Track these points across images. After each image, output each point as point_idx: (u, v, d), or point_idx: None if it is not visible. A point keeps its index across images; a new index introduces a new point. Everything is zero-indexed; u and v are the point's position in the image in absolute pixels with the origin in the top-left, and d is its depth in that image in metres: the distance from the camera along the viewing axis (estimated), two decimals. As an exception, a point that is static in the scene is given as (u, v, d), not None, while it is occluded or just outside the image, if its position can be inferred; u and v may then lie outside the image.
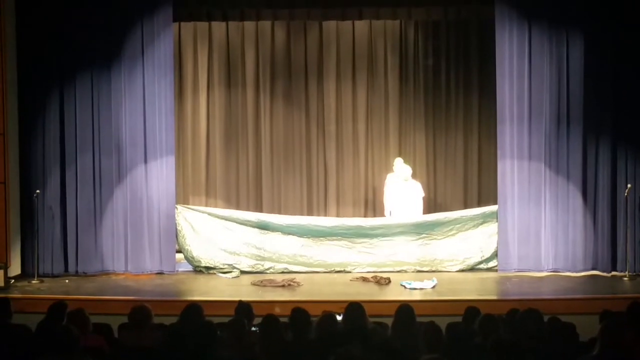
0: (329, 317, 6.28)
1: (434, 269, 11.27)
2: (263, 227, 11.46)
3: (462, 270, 11.32)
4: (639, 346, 5.82)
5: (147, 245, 11.34)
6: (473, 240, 11.39)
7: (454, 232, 11.40)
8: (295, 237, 11.40)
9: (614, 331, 5.42)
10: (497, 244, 11.27)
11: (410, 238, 11.37)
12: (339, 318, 6.52)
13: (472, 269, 11.37)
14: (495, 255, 11.35)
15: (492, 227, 11.37)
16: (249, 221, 11.52)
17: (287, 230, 11.42)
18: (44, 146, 11.28)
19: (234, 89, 13.54)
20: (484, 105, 13.23)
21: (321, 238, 11.39)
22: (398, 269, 11.23)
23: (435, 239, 11.38)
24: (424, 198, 12.10)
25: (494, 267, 11.37)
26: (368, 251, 11.35)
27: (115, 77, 11.29)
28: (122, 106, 11.30)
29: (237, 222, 11.48)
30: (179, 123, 13.18)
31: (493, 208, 11.45)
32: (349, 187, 13.61)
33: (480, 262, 11.41)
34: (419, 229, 11.40)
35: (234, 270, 11.24)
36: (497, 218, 11.28)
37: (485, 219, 11.43)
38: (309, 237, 11.39)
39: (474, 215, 11.49)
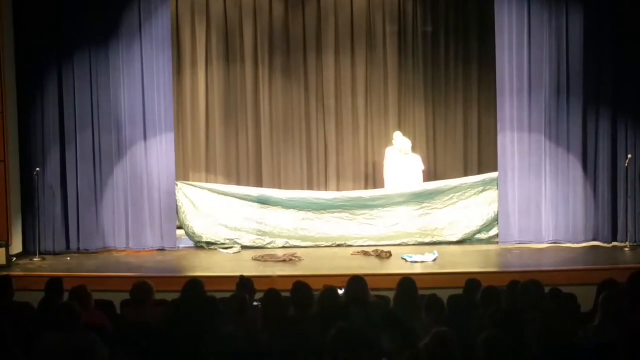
0: (330, 290, 6.30)
1: (434, 239, 11.30)
2: (263, 201, 11.47)
3: (463, 239, 11.35)
4: (639, 316, 5.84)
5: (147, 221, 11.35)
6: (473, 208, 11.40)
7: (454, 200, 11.40)
8: (295, 211, 11.41)
9: (613, 301, 5.43)
10: (498, 215, 11.29)
11: (411, 208, 11.38)
12: (341, 292, 6.54)
13: (472, 237, 11.40)
14: (495, 223, 11.37)
15: (492, 195, 11.38)
16: (249, 196, 11.52)
17: (287, 204, 11.43)
18: (43, 124, 11.25)
19: (232, 64, 13.48)
20: (484, 77, 13.18)
21: (321, 211, 11.40)
22: (399, 241, 11.25)
23: (435, 208, 11.39)
24: (423, 171, 12.10)
25: (494, 236, 11.40)
26: (369, 222, 11.36)
27: (113, 53, 11.25)
28: (120, 83, 11.27)
29: (237, 197, 11.48)
30: (178, 99, 13.13)
31: (493, 175, 11.45)
32: (349, 161, 13.59)
33: (480, 230, 11.44)
34: (420, 198, 11.40)
35: (235, 245, 11.26)
36: (497, 185, 11.30)
37: (485, 186, 11.43)
38: (309, 210, 11.40)
39: (473, 183, 11.50)
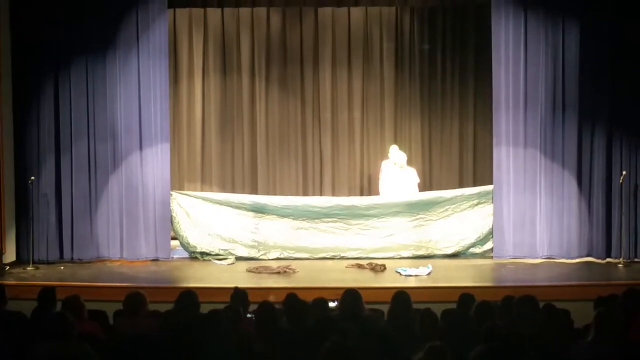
0: (320, 302, 6.30)
1: (429, 252, 11.30)
2: (258, 210, 11.44)
3: (458, 253, 11.35)
4: (633, 332, 5.84)
5: (142, 232, 11.34)
6: (468, 221, 11.40)
7: (449, 212, 11.41)
8: (290, 220, 11.39)
9: (608, 318, 5.44)
10: (493, 230, 11.29)
11: (406, 219, 11.37)
12: (332, 304, 6.53)
13: (466, 251, 11.41)
14: (490, 237, 11.38)
15: (487, 208, 11.38)
16: (243, 204, 11.49)
17: (282, 213, 11.40)
18: (39, 133, 11.24)
19: (229, 76, 13.50)
20: (480, 92, 13.22)
21: (316, 220, 11.37)
22: (393, 253, 11.24)
23: (430, 220, 11.39)
24: (419, 184, 12.11)
25: (488, 250, 11.41)
26: (364, 233, 11.35)
27: (110, 63, 11.25)
28: (117, 93, 11.27)
29: (231, 206, 11.46)
30: (174, 110, 13.14)
31: (488, 188, 11.46)
32: (345, 175, 13.60)
33: (475, 244, 11.44)
34: (414, 209, 11.40)
35: (230, 256, 11.24)
36: (492, 199, 11.30)
37: (480, 199, 11.44)
38: (304, 219, 11.38)
39: (469, 195, 11.50)
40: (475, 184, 12.69)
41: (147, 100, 11.29)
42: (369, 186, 13.37)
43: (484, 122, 13.03)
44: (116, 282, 9.91)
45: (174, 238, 11.60)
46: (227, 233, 11.36)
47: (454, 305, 6.85)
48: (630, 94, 11.02)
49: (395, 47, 13.44)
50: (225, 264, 11.10)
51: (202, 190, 13.05)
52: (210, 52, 13.45)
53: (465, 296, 6.79)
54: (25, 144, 11.27)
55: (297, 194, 13.20)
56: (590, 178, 11.13)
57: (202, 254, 11.34)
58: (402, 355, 5.10)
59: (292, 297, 6.26)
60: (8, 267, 10.70)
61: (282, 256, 11.26)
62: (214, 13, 13.34)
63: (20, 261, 11.11)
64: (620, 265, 10.75)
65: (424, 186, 12.60)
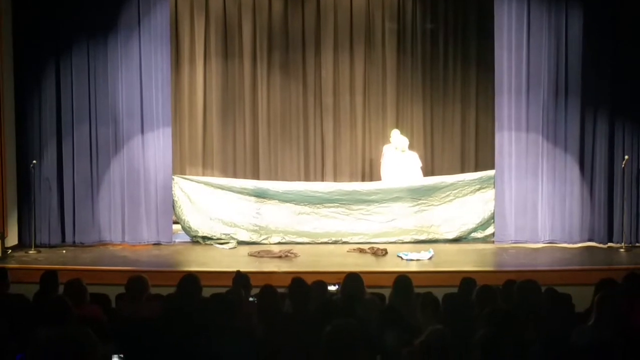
0: (319, 285, 6.32)
1: (430, 236, 11.31)
2: (260, 194, 11.45)
3: (459, 237, 11.36)
4: (634, 316, 5.85)
5: (144, 216, 11.35)
6: (470, 206, 11.41)
7: (451, 197, 11.41)
8: (292, 205, 11.40)
9: (609, 302, 5.44)
10: (494, 214, 11.30)
11: (407, 204, 11.38)
12: (332, 288, 6.53)
13: (468, 236, 11.41)
14: (491, 221, 11.38)
15: (489, 193, 11.39)
16: (245, 189, 11.50)
17: (283, 198, 11.41)
18: (41, 117, 11.25)
19: (230, 60, 13.48)
20: (482, 76, 13.20)
21: (318, 205, 11.38)
22: (395, 238, 11.26)
23: (432, 204, 11.40)
24: (422, 168, 12.10)
25: (490, 235, 11.41)
26: (365, 218, 11.37)
27: (111, 47, 11.24)
28: (118, 77, 11.26)
29: (233, 191, 11.47)
30: (176, 94, 13.12)
31: (490, 173, 11.46)
32: (346, 159, 13.60)
33: (477, 229, 11.45)
34: (416, 195, 11.41)
35: (231, 240, 11.25)
36: (494, 184, 11.31)
37: (482, 184, 11.44)
38: (305, 205, 11.38)
39: (471, 180, 11.50)
40: (477, 169, 12.69)
41: (148, 85, 11.28)
42: (370, 171, 13.37)
43: (486, 107, 13.02)
44: (118, 266, 9.93)
45: (175, 222, 11.62)
46: (229, 217, 11.38)
47: (455, 290, 6.84)
48: (633, 78, 11.01)
49: (398, 30, 13.42)
50: (227, 248, 11.12)
51: (203, 174, 13.05)
52: (211, 37, 13.42)
53: (467, 280, 6.79)
54: (27, 128, 11.28)
55: (298, 179, 13.20)
56: (592, 163, 11.13)
57: (204, 238, 11.35)
58: (405, 339, 5.11)
59: (297, 281, 6.26)
60: (10, 251, 10.72)
61: (283, 241, 11.28)
62: (215, -3, 13.32)
63: (23, 245, 11.14)
64: (621, 250, 10.77)
65: (426, 170, 12.58)
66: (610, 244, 11.07)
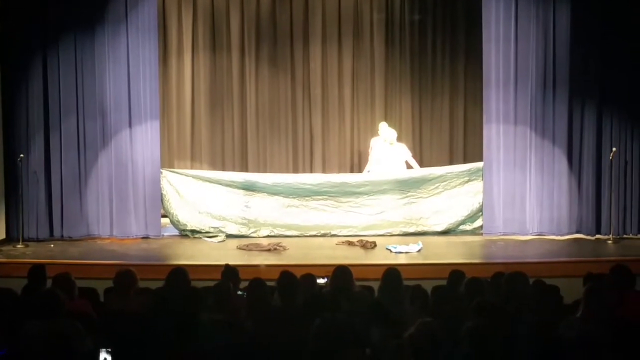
0: (308, 278, 6.32)
1: (419, 229, 11.33)
2: (249, 187, 11.43)
3: (448, 230, 11.38)
4: (621, 308, 5.88)
5: (132, 209, 11.32)
6: (458, 198, 11.43)
7: (439, 190, 11.43)
8: (280, 197, 11.39)
9: (597, 293, 5.47)
10: (483, 207, 11.32)
11: (396, 196, 11.40)
12: (321, 281, 6.53)
13: (456, 228, 11.44)
14: (480, 214, 11.41)
15: (477, 186, 11.41)
16: (234, 182, 11.48)
17: (272, 190, 11.40)
18: (28, 110, 11.19)
19: (218, 53, 13.45)
20: (470, 69, 13.21)
21: (306, 198, 11.38)
22: (384, 231, 11.27)
23: (421, 197, 11.41)
24: (413, 157, 12.10)
25: (478, 227, 11.44)
26: (354, 210, 11.37)
27: (99, 40, 11.18)
28: (106, 70, 11.21)
29: (222, 184, 11.45)
30: (164, 87, 13.10)
31: (479, 165, 11.48)
32: (335, 151, 13.60)
33: (465, 221, 11.47)
34: (405, 187, 11.42)
35: (220, 234, 11.24)
36: (482, 176, 11.32)
37: (470, 176, 11.46)
38: (294, 197, 11.38)
39: (459, 172, 11.52)
40: (465, 161, 12.70)
41: (136, 78, 11.23)
42: (359, 163, 13.37)
43: (474, 99, 13.03)
44: (106, 260, 9.89)
45: (164, 216, 11.59)
46: (218, 211, 11.36)
47: (444, 282, 6.87)
48: (620, 71, 11.02)
49: (386, 22, 13.42)
50: (216, 241, 11.10)
51: (192, 168, 13.02)
52: (199, 30, 13.38)
53: (456, 273, 6.81)
54: (14, 121, 11.21)
55: (287, 171, 13.19)
56: (580, 155, 11.16)
57: (193, 231, 11.34)
58: (393, 332, 5.12)
59: (286, 274, 6.26)
60: (-2, 245, 10.69)
61: (272, 234, 11.27)
62: (203, -11, 13.28)
63: (10, 239, 11.09)
64: (609, 242, 10.81)
65: (414, 163, 12.60)
66: (598, 236, 11.10)
